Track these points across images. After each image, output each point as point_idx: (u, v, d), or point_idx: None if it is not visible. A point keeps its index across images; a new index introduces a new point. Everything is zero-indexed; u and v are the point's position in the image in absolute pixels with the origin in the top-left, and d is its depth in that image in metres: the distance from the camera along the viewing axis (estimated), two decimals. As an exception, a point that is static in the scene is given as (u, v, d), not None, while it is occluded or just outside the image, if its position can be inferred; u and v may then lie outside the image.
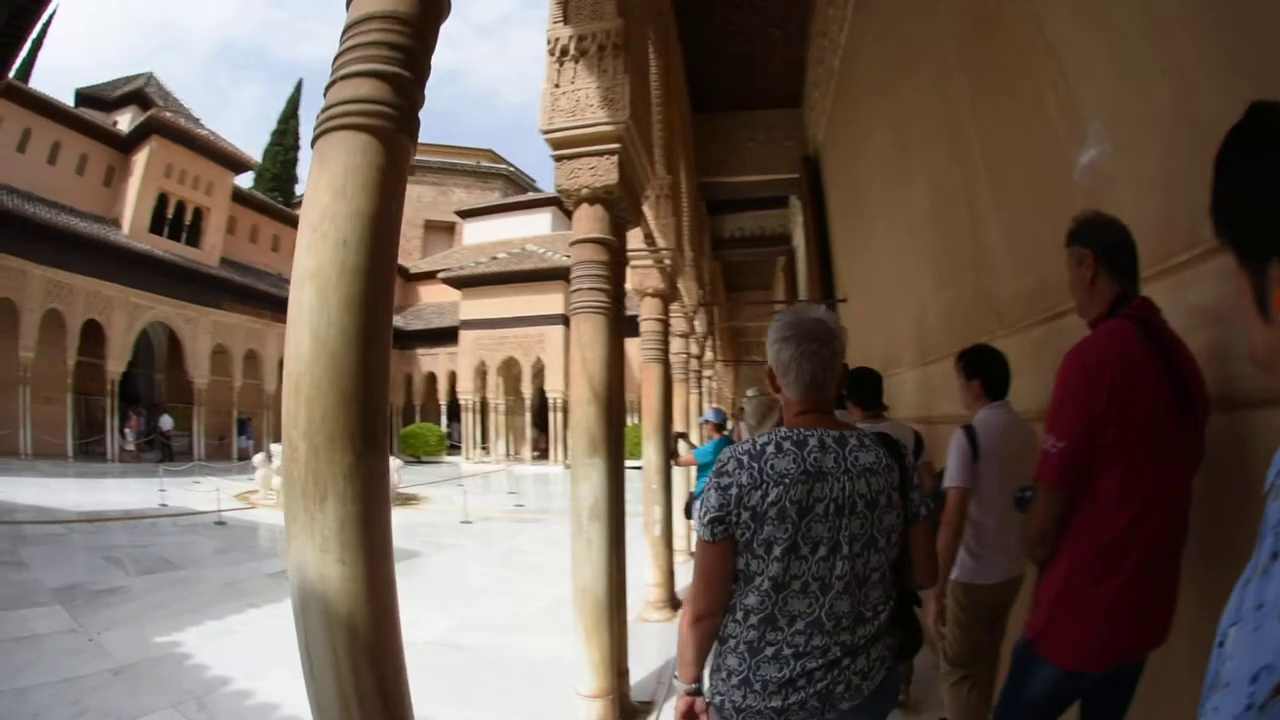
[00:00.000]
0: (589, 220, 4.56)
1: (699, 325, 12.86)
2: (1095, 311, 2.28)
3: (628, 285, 5.81)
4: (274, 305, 31.16)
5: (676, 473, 9.58)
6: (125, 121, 29.23)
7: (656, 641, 6.44)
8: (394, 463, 17.60)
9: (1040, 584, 2.31)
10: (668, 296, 7.86)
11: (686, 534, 9.99)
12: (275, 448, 18.23)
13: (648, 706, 4.81)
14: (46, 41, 38.17)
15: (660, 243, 7.56)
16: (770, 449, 1.94)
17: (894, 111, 6.78)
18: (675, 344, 10.74)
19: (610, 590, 4.35)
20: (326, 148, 2.04)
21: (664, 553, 7.48)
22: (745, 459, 1.94)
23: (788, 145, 12.89)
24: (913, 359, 6.55)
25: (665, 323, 7.83)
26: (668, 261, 7.57)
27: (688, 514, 8.23)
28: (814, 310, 2.15)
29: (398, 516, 13.01)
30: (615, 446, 4.53)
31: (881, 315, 8.03)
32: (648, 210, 7.37)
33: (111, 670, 5.52)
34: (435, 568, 10.34)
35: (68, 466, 22.21)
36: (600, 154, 4.54)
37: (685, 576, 8.28)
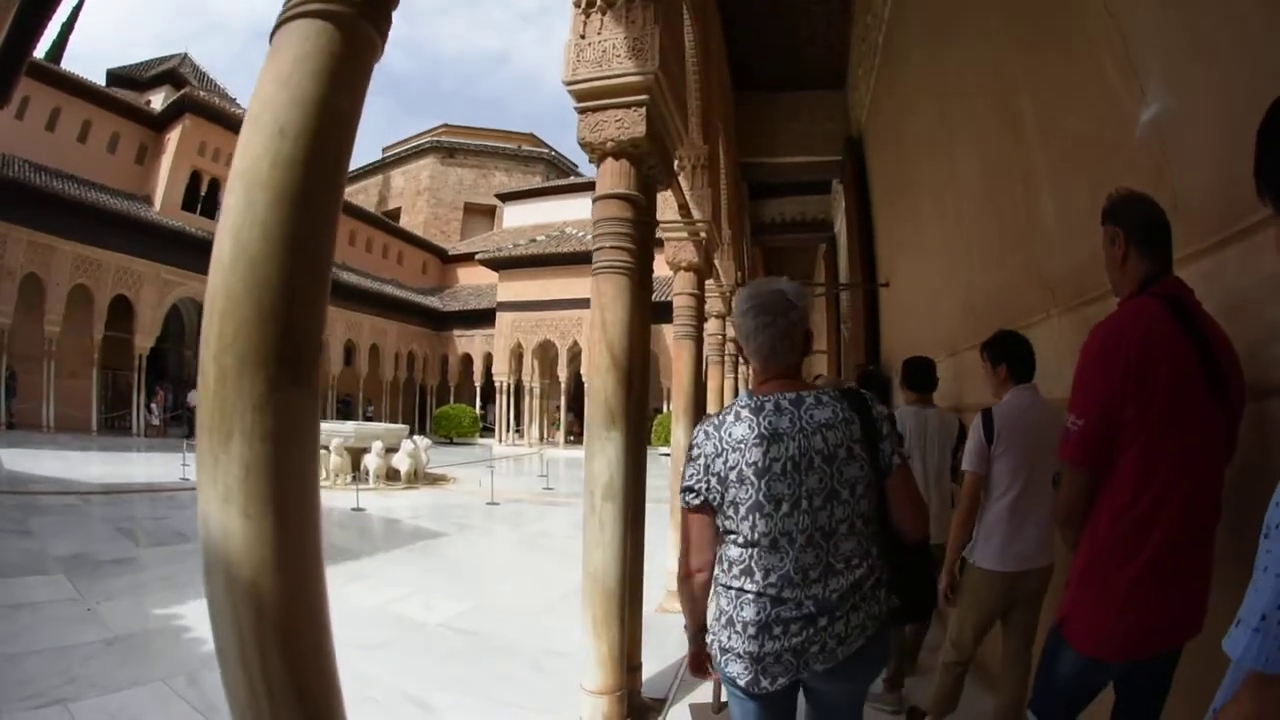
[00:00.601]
0: (613, 175, 4.19)
1: (737, 309, 12.47)
2: (1126, 290, 2.27)
3: (660, 261, 5.51)
4: None
5: None
6: (159, 101, 29.43)
7: (677, 634, 6.06)
8: (421, 441, 17.81)
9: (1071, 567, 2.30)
10: (703, 271, 7.48)
11: None
12: (305, 423, 18.13)
13: (659, 704, 4.45)
14: (78, 26, 38.79)
15: (696, 214, 7.20)
16: (730, 418, 2.15)
17: (940, 84, 6.51)
18: (711, 325, 10.41)
19: (623, 578, 3.98)
20: (279, 40, 1.70)
21: None
22: (710, 429, 2.16)
23: (830, 127, 12.57)
24: (957, 344, 6.17)
25: (700, 299, 7.45)
26: (703, 234, 7.20)
27: None
28: (775, 283, 2.29)
29: (424, 496, 13.19)
30: (635, 420, 4.17)
31: (925, 300, 7.66)
32: (683, 181, 7.06)
33: (105, 641, 5.36)
34: (456, 549, 10.08)
35: (91, 440, 22.34)
36: (627, 105, 4.18)
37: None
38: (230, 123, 28.73)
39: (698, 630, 2.28)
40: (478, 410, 37.40)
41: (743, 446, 2.07)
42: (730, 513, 2.09)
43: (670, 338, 7.55)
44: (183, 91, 28.07)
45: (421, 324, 40.12)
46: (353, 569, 8.38)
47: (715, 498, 2.12)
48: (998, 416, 3.35)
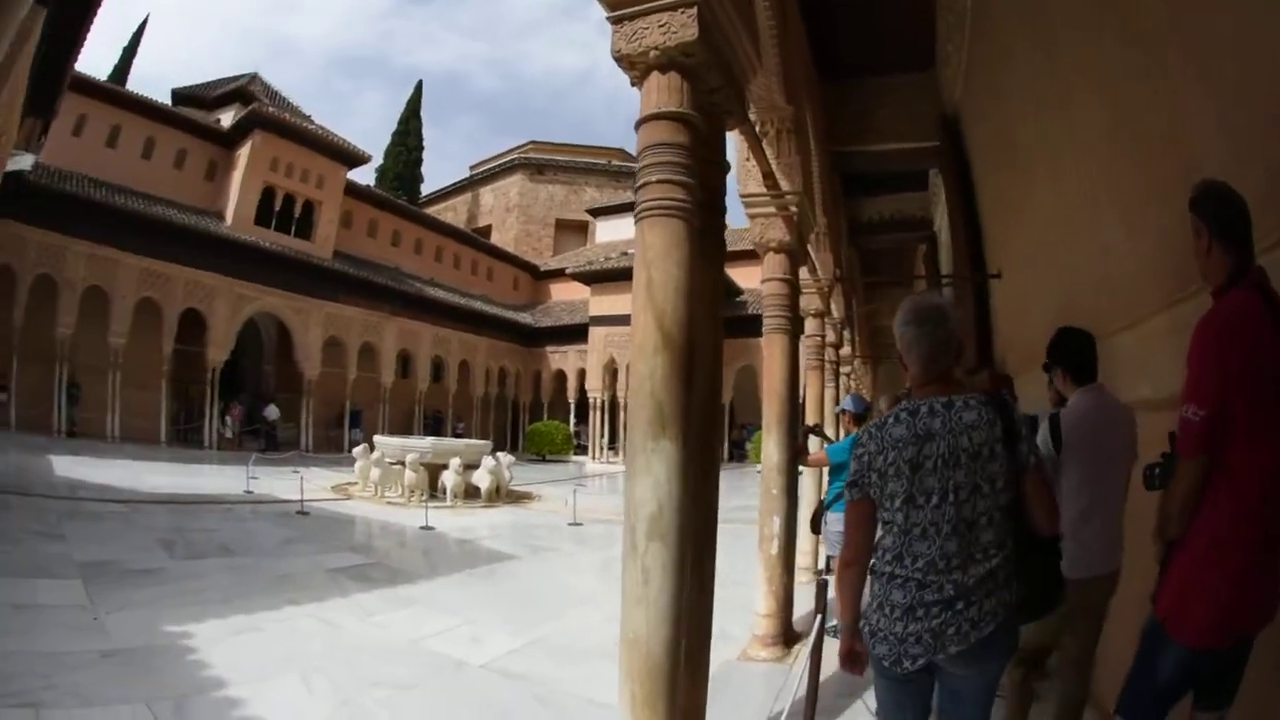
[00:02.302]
0: (661, 91, 3.11)
1: (835, 310, 11.30)
2: (1215, 281, 2.29)
3: (747, 274, 4.44)
4: (392, 299, 31.42)
5: (806, 476, 8.05)
6: (229, 120, 29.49)
7: (762, 687, 5.02)
8: (504, 458, 17.09)
9: (1169, 563, 2.31)
10: (796, 255, 6.38)
11: (814, 550, 8.35)
12: (379, 439, 17.68)
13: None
14: (141, 50, 40.60)
15: (784, 185, 6.07)
16: (891, 420, 2.33)
17: (1043, 28, 5.38)
18: (809, 325, 9.27)
19: (673, 645, 2.85)
20: None
21: (781, 577, 5.93)
22: (874, 430, 2.36)
23: (920, 108, 11.28)
24: (1096, 328, 4.89)
25: (793, 285, 6.36)
26: (794, 209, 6.09)
27: (814, 528, 6.59)
28: (931, 297, 2.70)
29: (503, 515, 12.38)
30: (699, 422, 3.09)
31: (1049, 283, 6.28)
32: (767, 148, 5.98)
33: (103, 652, 5.02)
34: (523, 575, 9.15)
35: (159, 451, 22.22)
36: (673, 7, 3.11)
37: (806, 603, 6.83)
38: (304, 138, 29.04)
39: (852, 622, 2.41)
40: (572, 427, 36.61)
41: (900, 445, 2.25)
42: (887, 504, 2.28)
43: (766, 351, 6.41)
44: (251, 107, 28.37)
45: (513, 340, 39.75)
46: (402, 594, 7.58)
47: (875, 491, 2.31)
48: (1064, 424, 3.24)
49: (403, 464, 15.34)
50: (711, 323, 3.30)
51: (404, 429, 30.26)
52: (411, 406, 33.21)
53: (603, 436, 34.41)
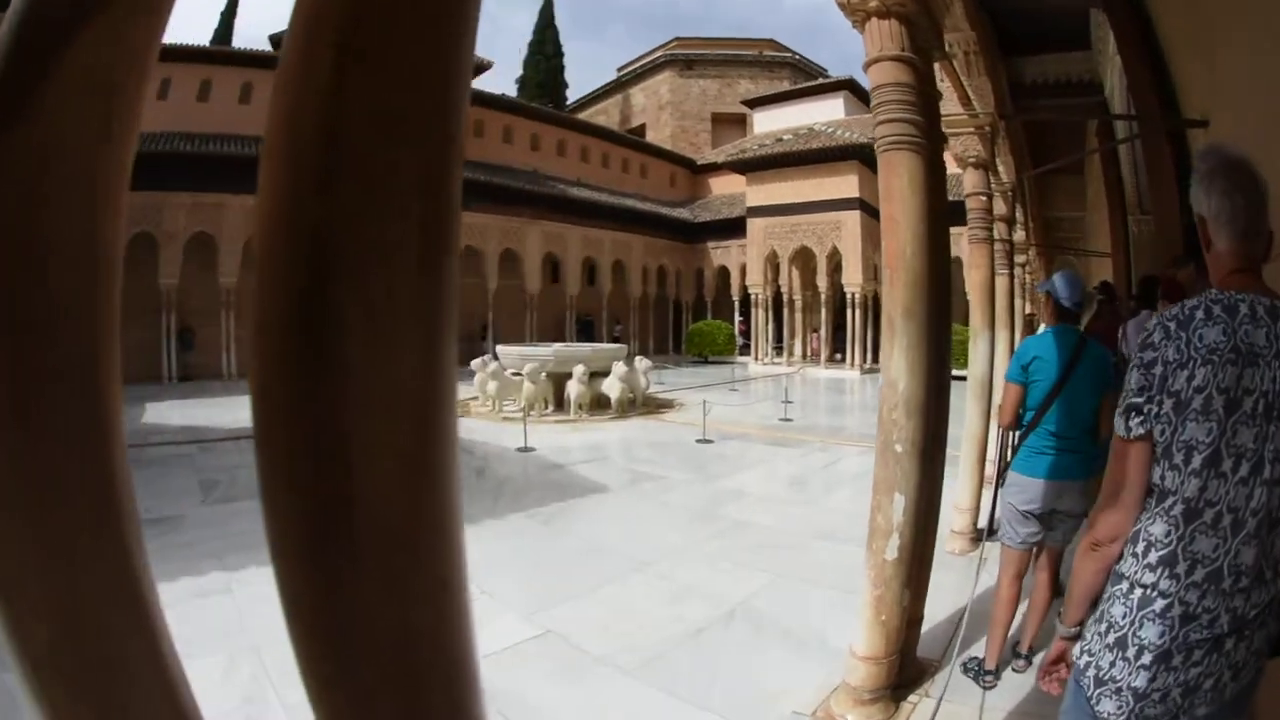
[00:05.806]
0: None
1: (1004, 172, 8.64)
2: None
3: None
4: (533, 202, 30.39)
5: (970, 402, 5.49)
6: None
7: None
8: (641, 363, 15.40)
9: None
10: (917, 24, 3.70)
11: (974, 499, 5.49)
12: (500, 349, 16.44)
13: None
14: (246, 12, 41.45)
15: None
16: (1199, 314, 1.45)
17: None
18: (970, 179, 6.78)
19: None
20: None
21: (898, 597, 3.39)
22: (1173, 326, 1.47)
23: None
24: None
25: (923, 74, 3.73)
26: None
27: (990, 522, 3.74)
28: (1235, 147, 1.57)
29: (626, 430, 13.60)
30: None
31: None
32: None
33: None
34: (596, 517, 7.23)
35: None
36: None
37: (949, 597, 4.49)
38: (413, 54, 28.52)
39: (1076, 624, 1.66)
40: (736, 326, 34.65)
41: (1215, 358, 1.38)
42: (1178, 458, 1.41)
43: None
44: (350, 33, 27.94)
45: (671, 237, 38.03)
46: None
47: (1164, 430, 1.43)
48: None
49: (520, 375, 14.00)
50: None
51: (554, 336, 29.32)
52: (561, 312, 32.19)
53: (767, 335, 31.77)
